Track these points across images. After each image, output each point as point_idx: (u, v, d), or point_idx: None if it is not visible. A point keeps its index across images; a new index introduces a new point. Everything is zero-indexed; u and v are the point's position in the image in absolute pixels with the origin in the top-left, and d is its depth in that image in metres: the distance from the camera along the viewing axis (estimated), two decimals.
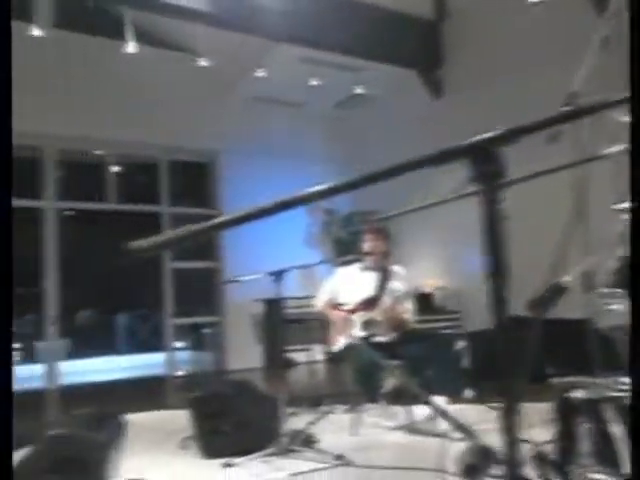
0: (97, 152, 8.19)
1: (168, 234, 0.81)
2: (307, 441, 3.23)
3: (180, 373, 7.90)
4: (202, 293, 8.59)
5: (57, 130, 7.01)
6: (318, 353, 7.61)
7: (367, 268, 3.91)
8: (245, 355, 7.68)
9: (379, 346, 3.55)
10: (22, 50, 6.04)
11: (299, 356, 6.80)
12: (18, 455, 2.43)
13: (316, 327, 7.05)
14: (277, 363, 7.05)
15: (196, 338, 9.70)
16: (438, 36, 7.35)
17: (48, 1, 5.67)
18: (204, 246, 8.15)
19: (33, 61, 6.37)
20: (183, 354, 9.00)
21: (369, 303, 3.73)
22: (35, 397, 6.58)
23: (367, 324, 3.68)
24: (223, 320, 8.17)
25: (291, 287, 3.44)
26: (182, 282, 8.07)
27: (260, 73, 7.17)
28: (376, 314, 3.69)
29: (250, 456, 3.04)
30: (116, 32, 6.01)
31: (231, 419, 3.22)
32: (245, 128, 7.95)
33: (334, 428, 3.69)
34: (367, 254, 3.90)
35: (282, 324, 3.87)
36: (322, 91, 7.60)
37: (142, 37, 6.07)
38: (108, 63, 6.58)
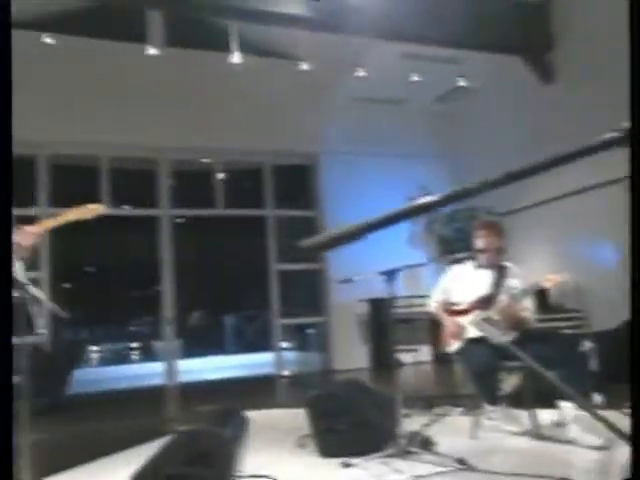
0: (204, 160, 8.57)
1: (329, 234, 0.81)
2: (425, 443, 3.16)
3: (287, 373, 8.06)
4: (307, 294, 8.73)
5: (170, 142, 7.42)
6: (425, 354, 7.47)
7: (481, 266, 3.75)
8: (350, 355, 7.71)
9: (497, 346, 3.40)
10: (140, 69, 6.48)
11: (405, 357, 6.70)
12: (151, 449, 2.57)
13: (422, 327, 6.91)
14: (384, 363, 7.01)
15: (301, 338, 9.87)
16: (545, 18, 6.94)
17: (160, 22, 6.02)
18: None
19: (150, 79, 6.78)
20: (289, 354, 9.17)
21: (485, 301, 3.58)
22: (156, 394, 6.99)
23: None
24: (328, 320, 8.25)
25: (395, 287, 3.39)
26: (287, 283, 8.25)
27: (360, 73, 7.16)
28: (493, 313, 3.54)
29: (368, 456, 3.02)
30: (221, 44, 6.26)
31: (348, 419, 3.22)
32: (345, 129, 7.97)
33: (450, 431, 3.58)
34: (480, 251, 3.74)
35: (390, 324, 3.81)
36: (423, 86, 7.44)
37: (245, 47, 6.27)
38: (214, 74, 6.86)
